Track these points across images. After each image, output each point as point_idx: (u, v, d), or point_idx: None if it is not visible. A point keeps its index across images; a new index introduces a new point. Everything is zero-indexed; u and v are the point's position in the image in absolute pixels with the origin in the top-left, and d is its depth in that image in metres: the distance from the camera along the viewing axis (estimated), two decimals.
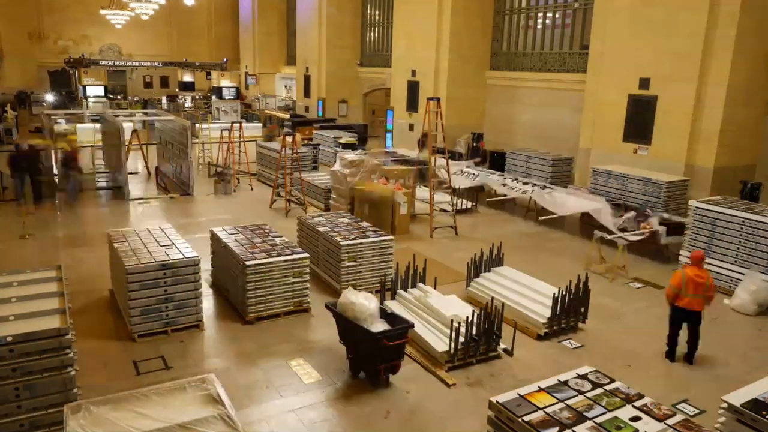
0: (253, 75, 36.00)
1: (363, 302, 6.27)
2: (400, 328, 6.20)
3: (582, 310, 7.88)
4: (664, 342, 7.18)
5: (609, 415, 4.22)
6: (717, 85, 11.85)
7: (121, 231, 8.58)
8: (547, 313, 7.64)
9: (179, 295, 7.37)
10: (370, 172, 13.07)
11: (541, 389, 4.54)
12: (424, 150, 13.19)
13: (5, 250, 10.31)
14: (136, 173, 17.27)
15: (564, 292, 7.72)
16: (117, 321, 7.69)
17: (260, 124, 26.09)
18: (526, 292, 8.28)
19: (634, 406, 4.35)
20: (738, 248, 9.22)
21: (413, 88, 20.89)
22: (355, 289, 6.81)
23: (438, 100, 12.83)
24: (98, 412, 4.02)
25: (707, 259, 9.59)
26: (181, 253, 7.54)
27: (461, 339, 6.72)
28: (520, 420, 4.14)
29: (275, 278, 7.84)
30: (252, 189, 15.80)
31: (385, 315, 6.49)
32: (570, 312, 7.76)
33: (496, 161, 17.09)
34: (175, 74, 37.57)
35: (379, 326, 6.20)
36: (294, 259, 7.96)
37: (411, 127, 21.00)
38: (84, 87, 31.40)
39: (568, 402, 4.38)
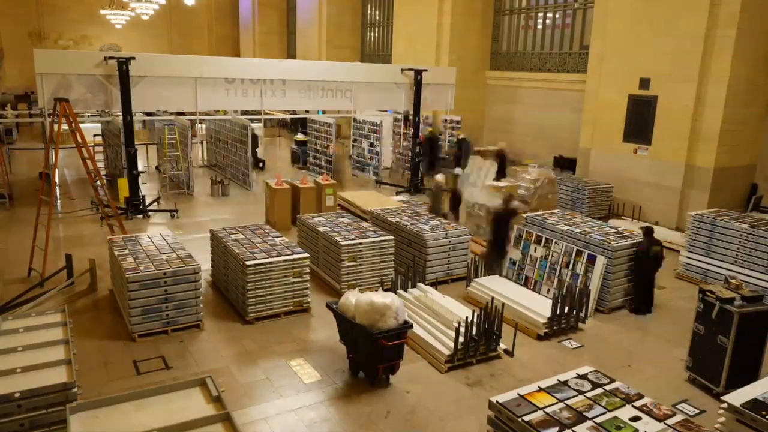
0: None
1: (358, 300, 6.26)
2: (399, 328, 6.19)
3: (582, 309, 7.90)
4: (663, 342, 7.18)
5: (609, 415, 4.22)
6: (717, 85, 11.85)
7: (121, 237, 8.65)
8: (547, 313, 7.65)
9: (179, 295, 7.38)
10: None
11: (541, 389, 4.54)
12: None
13: (5, 250, 10.34)
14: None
15: (564, 293, 7.73)
16: (117, 321, 7.70)
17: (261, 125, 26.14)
18: (527, 293, 8.29)
19: (634, 406, 4.35)
20: (737, 252, 9.24)
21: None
22: (354, 289, 6.81)
23: None
24: (98, 412, 4.03)
25: (706, 259, 9.63)
26: (182, 261, 7.61)
27: (461, 339, 6.73)
28: (520, 420, 4.14)
29: (275, 278, 7.84)
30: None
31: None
32: (570, 312, 7.77)
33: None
34: None
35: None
36: (294, 259, 7.96)
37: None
38: None
39: (568, 402, 4.38)
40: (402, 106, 16.55)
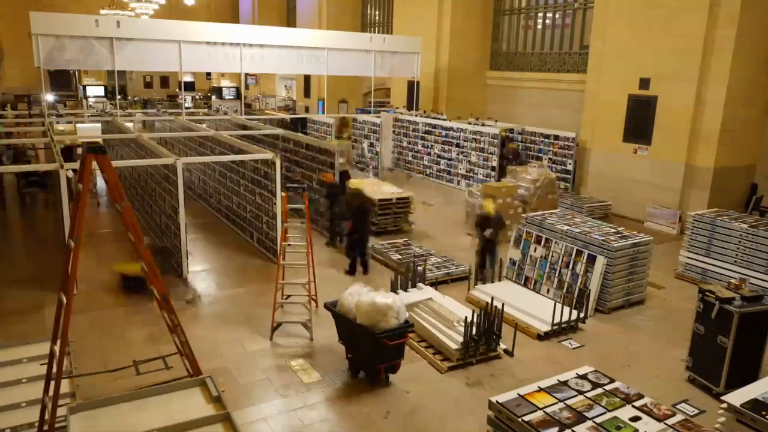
0: (253, 75, 35.97)
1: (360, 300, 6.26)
2: (401, 327, 6.19)
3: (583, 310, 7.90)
4: (663, 342, 7.16)
5: (609, 415, 4.22)
6: (717, 85, 11.85)
7: None
8: (549, 320, 7.63)
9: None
10: None
11: (541, 389, 4.54)
12: None
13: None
14: None
15: (565, 293, 7.72)
16: (117, 321, 7.69)
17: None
18: (529, 296, 8.28)
19: (634, 406, 4.34)
20: (737, 252, 9.23)
21: (413, 88, 20.94)
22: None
23: None
24: (98, 412, 4.02)
25: (706, 259, 9.63)
26: None
27: (461, 339, 6.72)
28: (519, 420, 4.14)
29: None
30: None
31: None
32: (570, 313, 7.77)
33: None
34: (175, 74, 37.53)
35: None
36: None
37: None
38: (84, 87, 31.41)
39: (568, 402, 4.37)
40: (371, 71, 18.53)
